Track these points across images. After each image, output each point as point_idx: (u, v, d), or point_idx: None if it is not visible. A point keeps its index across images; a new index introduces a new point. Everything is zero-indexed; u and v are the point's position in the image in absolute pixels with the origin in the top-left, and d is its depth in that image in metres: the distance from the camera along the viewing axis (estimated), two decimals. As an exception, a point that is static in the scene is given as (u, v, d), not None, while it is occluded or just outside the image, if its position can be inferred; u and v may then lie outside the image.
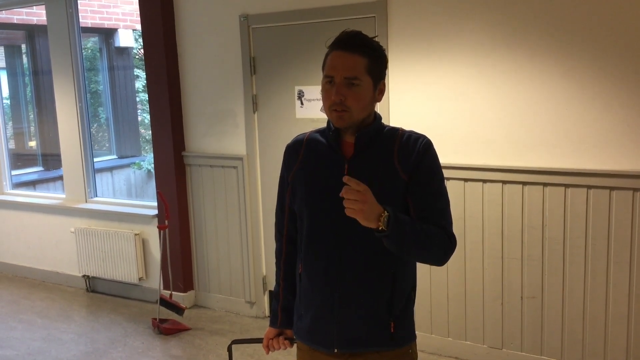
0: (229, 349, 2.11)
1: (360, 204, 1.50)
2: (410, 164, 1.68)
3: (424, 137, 1.73)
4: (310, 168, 1.77)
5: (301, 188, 1.79)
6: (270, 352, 1.95)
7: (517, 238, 3.36)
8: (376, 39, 1.70)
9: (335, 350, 1.75)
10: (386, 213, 1.53)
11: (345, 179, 1.52)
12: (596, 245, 3.17)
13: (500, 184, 3.36)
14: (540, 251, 3.32)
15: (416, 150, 1.69)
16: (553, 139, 3.22)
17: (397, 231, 1.55)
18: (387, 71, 1.74)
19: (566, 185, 3.20)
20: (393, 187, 1.67)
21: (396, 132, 1.75)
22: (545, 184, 3.25)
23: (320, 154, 1.76)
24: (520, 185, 3.31)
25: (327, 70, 1.66)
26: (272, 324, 1.94)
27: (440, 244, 1.66)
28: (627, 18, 2.97)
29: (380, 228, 1.53)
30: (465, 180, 3.43)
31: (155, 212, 4.61)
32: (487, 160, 3.38)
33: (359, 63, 1.63)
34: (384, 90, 1.73)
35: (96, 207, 4.94)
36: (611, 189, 3.10)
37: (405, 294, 1.75)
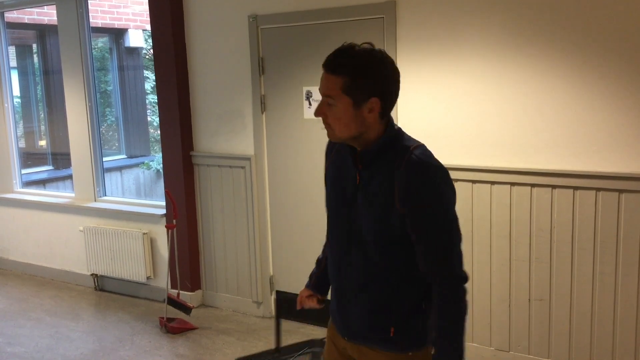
0: None
1: None
2: (406, 198, 1.61)
3: (427, 165, 1.62)
4: (335, 169, 1.83)
5: (327, 187, 1.87)
6: (300, 307, 2.05)
7: (525, 240, 3.35)
8: (368, 45, 1.62)
9: (345, 338, 1.85)
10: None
11: None
12: (605, 248, 3.16)
13: (509, 186, 3.35)
14: (548, 253, 3.30)
15: (414, 184, 1.60)
16: (562, 141, 3.20)
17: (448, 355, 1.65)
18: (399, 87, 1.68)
19: (575, 188, 3.19)
20: (390, 213, 1.64)
21: (405, 152, 1.64)
22: (553, 186, 3.24)
23: (343, 158, 1.80)
24: (529, 187, 3.30)
25: None
26: (307, 284, 2.06)
27: (460, 313, 1.68)
28: (636, 19, 2.96)
29: None
30: (473, 182, 3.42)
31: (164, 211, 4.63)
32: (496, 162, 3.37)
33: (334, 83, 1.60)
34: (377, 109, 1.61)
35: (105, 206, 4.97)
36: (620, 191, 3.08)
37: (409, 304, 1.75)
